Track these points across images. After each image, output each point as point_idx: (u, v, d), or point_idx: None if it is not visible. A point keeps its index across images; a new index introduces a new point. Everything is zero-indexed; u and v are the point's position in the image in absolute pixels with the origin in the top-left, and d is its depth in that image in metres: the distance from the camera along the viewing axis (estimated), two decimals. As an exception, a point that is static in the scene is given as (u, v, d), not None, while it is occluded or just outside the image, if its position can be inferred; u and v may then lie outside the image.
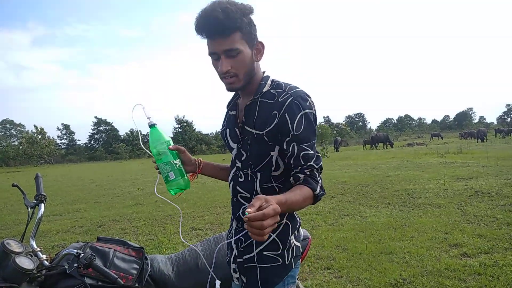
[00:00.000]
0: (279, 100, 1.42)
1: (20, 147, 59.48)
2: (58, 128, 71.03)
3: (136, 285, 1.97)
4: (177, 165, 1.61)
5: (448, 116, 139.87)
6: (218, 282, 1.50)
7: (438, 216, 6.32)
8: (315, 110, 1.45)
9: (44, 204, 2.18)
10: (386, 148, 37.51)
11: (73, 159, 62.40)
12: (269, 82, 1.51)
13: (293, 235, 1.52)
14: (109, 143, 66.91)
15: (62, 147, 69.45)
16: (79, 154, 66.54)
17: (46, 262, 2.01)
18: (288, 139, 1.41)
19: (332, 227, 6.05)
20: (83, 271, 1.96)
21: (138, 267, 2.01)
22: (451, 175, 11.06)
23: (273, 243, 1.48)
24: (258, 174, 1.49)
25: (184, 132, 67.81)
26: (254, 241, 1.49)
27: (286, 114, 1.39)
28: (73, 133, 71.81)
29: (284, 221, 1.49)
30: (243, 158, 1.54)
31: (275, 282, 1.48)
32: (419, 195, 8.26)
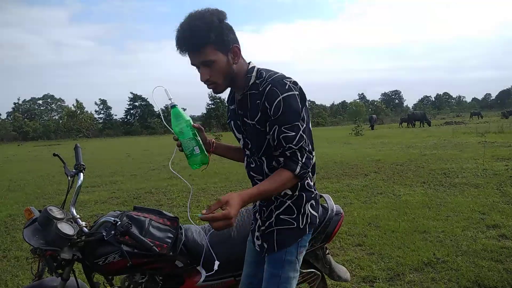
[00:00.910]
0: (260, 89, 1.54)
1: (60, 121, 61.74)
2: (95, 103, 73.07)
3: (170, 253, 2.02)
4: (200, 141, 1.72)
5: (489, 94, 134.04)
6: (217, 263, 1.78)
7: (475, 196, 6.13)
8: (298, 91, 1.55)
9: (83, 173, 2.25)
10: (423, 126, 36.48)
11: (110, 133, 64.22)
12: (254, 74, 1.60)
13: (309, 204, 1.69)
14: (144, 118, 68.30)
15: (100, 121, 71.48)
16: (116, 129, 68.34)
17: (85, 229, 2.10)
18: (269, 123, 1.53)
19: (364, 205, 6.00)
20: (120, 238, 2.03)
21: (172, 236, 2.06)
22: (491, 155, 10.64)
23: (289, 208, 1.66)
24: (264, 158, 1.66)
25: (217, 109, 68.17)
26: (273, 207, 1.68)
27: (265, 102, 1.51)
28: (110, 108, 73.63)
29: (297, 193, 1.66)
30: (249, 146, 1.70)
31: (289, 244, 1.67)
32: (456, 175, 8.03)
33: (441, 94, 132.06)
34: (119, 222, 1.97)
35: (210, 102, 69.70)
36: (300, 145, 1.51)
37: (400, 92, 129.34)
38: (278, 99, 1.48)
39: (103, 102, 72.81)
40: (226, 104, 1.85)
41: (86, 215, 6.19)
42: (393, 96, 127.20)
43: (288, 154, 1.51)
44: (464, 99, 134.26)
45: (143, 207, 2.25)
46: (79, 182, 2.21)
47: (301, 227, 1.68)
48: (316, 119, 70.91)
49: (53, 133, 58.65)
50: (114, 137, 57.14)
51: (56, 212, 2.04)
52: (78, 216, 2.13)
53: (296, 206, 1.67)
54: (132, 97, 71.30)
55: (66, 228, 1.96)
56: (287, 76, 1.56)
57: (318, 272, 2.37)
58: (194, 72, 1.61)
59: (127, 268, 2.08)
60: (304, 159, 1.53)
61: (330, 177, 8.65)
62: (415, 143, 16.19)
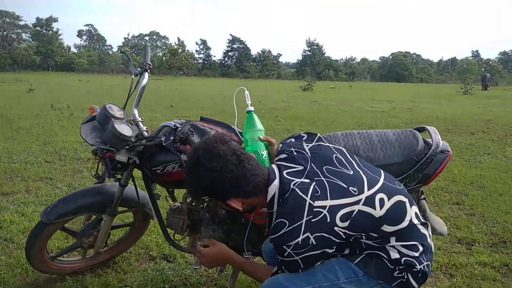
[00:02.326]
0: None
1: (164, 58, 64.81)
2: (196, 43, 75.02)
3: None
4: (263, 156, 1.60)
5: None
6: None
7: None
8: None
9: (149, 73, 2.04)
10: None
11: (208, 73, 66.10)
12: None
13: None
14: (240, 62, 68.98)
15: (199, 61, 73.78)
16: (214, 70, 70.10)
17: (145, 133, 1.90)
18: None
19: (467, 163, 5.32)
20: (181, 147, 1.80)
21: (237, 151, 1.77)
22: None
23: None
24: None
25: (313, 56, 66.22)
26: None
27: None
28: (209, 48, 75.13)
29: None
30: None
31: None
32: None
33: None
34: (180, 128, 1.73)
35: (306, 49, 67.86)
36: None
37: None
38: None
39: (204, 42, 74.59)
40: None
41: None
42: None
43: None
44: None
45: (211, 119, 1.99)
46: (143, 82, 2.00)
47: None
48: (420, 75, 65.74)
49: (156, 68, 62.00)
50: (211, 77, 58.80)
51: (116, 111, 1.86)
52: (139, 119, 1.94)
53: None
54: (231, 39, 71.95)
55: (124, 129, 1.77)
56: None
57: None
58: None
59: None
60: None
61: (430, 131, 7.80)
62: (536, 107, 14.09)
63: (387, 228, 1.37)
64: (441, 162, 1.75)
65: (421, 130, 1.89)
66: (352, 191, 1.34)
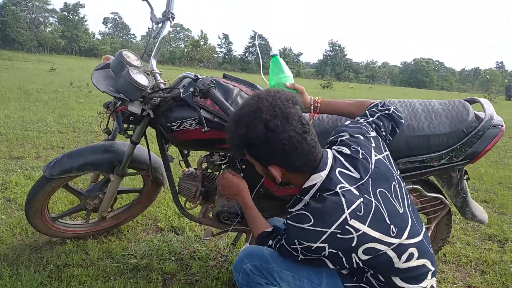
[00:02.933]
0: None
1: (185, 50, 65.03)
2: (219, 37, 75.11)
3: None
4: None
5: None
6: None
7: None
8: None
9: (171, 22, 1.87)
10: None
11: (228, 68, 66.17)
12: None
13: None
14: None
15: (220, 55, 73.82)
16: (234, 64, 70.15)
17: (162, 85, 1.73)
18: None
19: (494, 165, 5.12)
20: (200, 101, 1.63)
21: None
22: None
23: None
24: None
25: (334, 57, 65.66)
26: None
27: None
28: (231, 43, 75.33)
29: None
30: None
31: None
32: None
33: None
34: (200, 78, 1.56)
35: (328, 49, 67.34)
36: None
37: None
38: None
39: (226, 36, 74.65)
40: None
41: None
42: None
43: None
44: None
45: (234, 77, 1.81)
46: (164, 32, 1.83)
47: None
48: (441, 83, 64.64)
49: (177, 59, 62.29)
50: (231, 71, 58.73)
51: (133, 59, 1.69)
52: (157, 70, 1.77)
53: None
54: (253, 34, 71.84)
55: (140, 78, 1.60)
56: None
57: (447, 201, 1.76)
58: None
59: (203, 142, 1.70)
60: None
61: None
62: None
63: (398, 281, 1.21)
64: (493, 137, 1.55)
65: (471, 102, 1.68)
66: (391, 232, 1.16)
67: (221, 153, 1.81)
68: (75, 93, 8.62)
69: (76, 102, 7.27)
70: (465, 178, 1.74)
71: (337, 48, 66.99)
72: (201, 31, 63.73)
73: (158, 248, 2.14)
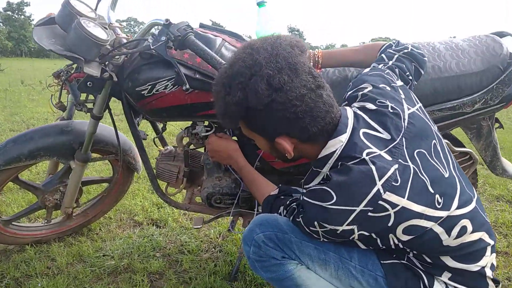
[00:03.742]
0: None
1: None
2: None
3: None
4: None
5: None
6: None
7: None
8: None
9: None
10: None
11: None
12: None
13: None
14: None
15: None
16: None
17: (125, 41, 1.38)
18: None
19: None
20: (176, 54, 1.30)
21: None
22: None
23: None
24: None
25: (295, 41, 66.16)
26: None
27: None
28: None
29: None
30: None
31: None
32: None
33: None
34: (174, 24, 1.22)
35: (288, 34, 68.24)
36: None
37: None
38: None
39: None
40: None
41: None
42: None
43: None
44: None
45: (213, 26, 1.48)
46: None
47: None
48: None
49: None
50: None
51: (84, 9, 1.32)
52: (117, 24, 1.42)
53: None
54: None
55: (96, 30, 1.25)
56: None
57: (476, 157, 1.51)
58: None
59: (183, 109, 1.36)
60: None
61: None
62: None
63: (449, 262, 0.95)
64: None
65: (500, 36, 1.43)
66: (437, 202, 0.89)
67: (205, 123, 1.49)
68: (27, 91, 7.97)
69: (28, 99, 6.68)
70: (497, 127, 1.49)
71: (296, 32, 67.09)
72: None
73: (139, 245, 1.80)
